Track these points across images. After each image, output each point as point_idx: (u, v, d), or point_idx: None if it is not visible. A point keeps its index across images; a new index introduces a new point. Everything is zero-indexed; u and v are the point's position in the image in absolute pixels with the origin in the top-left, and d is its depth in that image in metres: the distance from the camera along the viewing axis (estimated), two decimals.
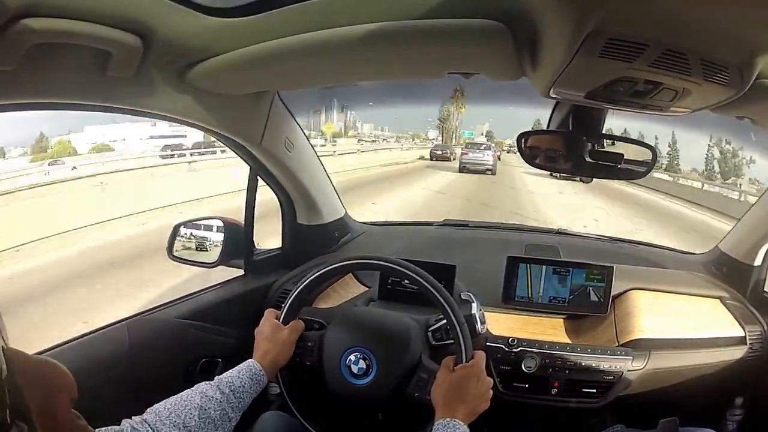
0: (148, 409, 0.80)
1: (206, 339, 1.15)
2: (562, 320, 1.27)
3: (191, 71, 0.83)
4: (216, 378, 0.82)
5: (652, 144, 0.94)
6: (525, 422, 1.24)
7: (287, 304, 0.97)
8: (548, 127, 0.95)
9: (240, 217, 1.30)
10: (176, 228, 1.29)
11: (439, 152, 17.63)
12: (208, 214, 1.43)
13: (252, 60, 0.79)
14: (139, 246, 5.16)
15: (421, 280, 0.90)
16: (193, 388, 0.81)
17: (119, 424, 0.74)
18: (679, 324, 1.19)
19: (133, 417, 0.78)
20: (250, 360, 0.87)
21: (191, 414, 0.75)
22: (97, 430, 0.49)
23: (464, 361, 0.87)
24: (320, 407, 0.95)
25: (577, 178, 9.27)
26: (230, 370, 0.85)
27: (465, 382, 0.83)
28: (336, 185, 1.46)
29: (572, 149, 0.92)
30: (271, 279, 1.33)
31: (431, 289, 0.89)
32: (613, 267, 1.22)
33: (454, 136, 23.57)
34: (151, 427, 0.73)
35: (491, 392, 0.85)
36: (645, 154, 0.93)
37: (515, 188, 11.46)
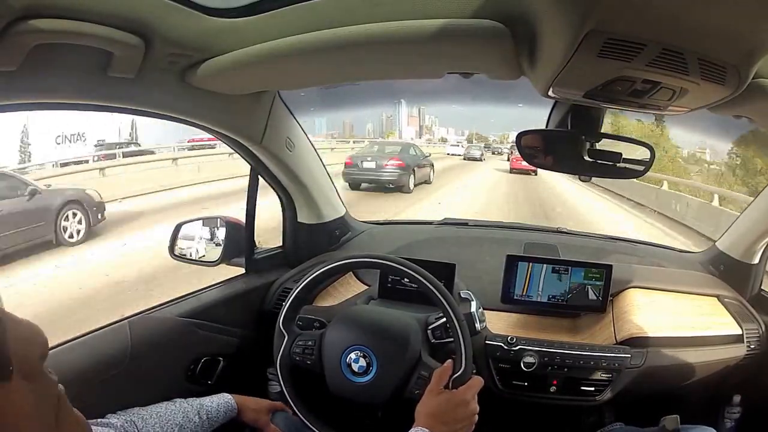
0: (134, 410, 0.82)
1: (207, 338, 1.16)
2: (560, 318, 1.28)
3: (192, 71, 0.83)
4: (197, 402, 0.91)
5: None
6: (524, 420, 1.25)
7: (288, 303, 0.97)
8: (547, 126, 0.95)
9: None
10: (178, 227, 1.29)
11: None
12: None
13: (253, 60, 0.79)
14: None
15: (420, 278, 0.91)
16: (176, 405, 0.88)
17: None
18: (676, 322, 1.20)
19: (121, 413, 0.80)
20: (228, 396, 0.96)
21: (172, 430, 0.83)
22: (90, 421, 0.49)
23: (463, 360, 0.87)
24: (321, 406, 0.96)
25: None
26: (211, 398, 0.93)
27: (449, 405, 0.83)
28: None
29: (571, 148, 0.93)
30: (271, 278, 1.34)
31: (431, 287, 0.90)
32: (611, 266, 1.22)
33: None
34: (138, 431, 0.79)
35: (476, 417, 0.84)
36: (643, 153, 0.93)
37: None
